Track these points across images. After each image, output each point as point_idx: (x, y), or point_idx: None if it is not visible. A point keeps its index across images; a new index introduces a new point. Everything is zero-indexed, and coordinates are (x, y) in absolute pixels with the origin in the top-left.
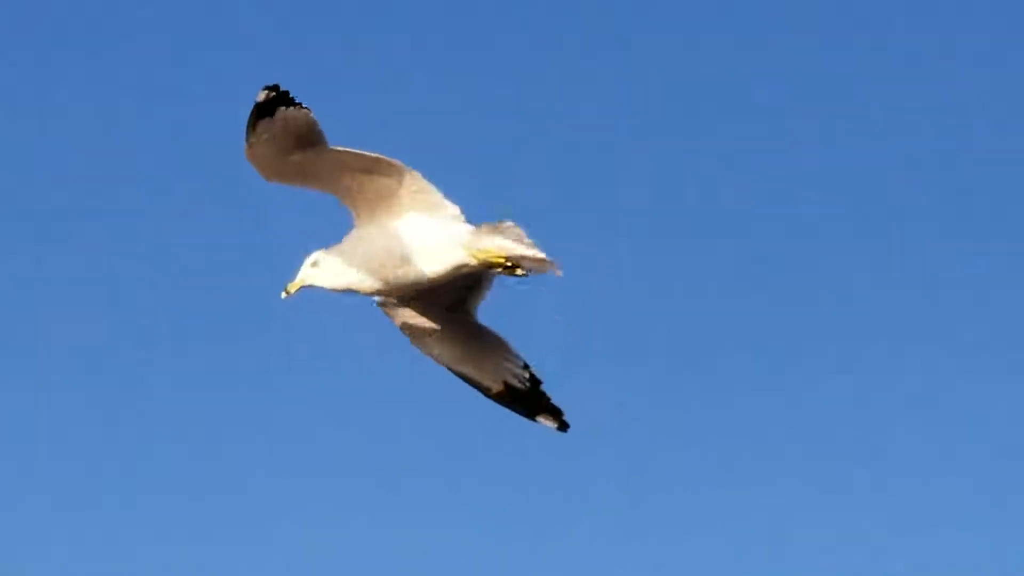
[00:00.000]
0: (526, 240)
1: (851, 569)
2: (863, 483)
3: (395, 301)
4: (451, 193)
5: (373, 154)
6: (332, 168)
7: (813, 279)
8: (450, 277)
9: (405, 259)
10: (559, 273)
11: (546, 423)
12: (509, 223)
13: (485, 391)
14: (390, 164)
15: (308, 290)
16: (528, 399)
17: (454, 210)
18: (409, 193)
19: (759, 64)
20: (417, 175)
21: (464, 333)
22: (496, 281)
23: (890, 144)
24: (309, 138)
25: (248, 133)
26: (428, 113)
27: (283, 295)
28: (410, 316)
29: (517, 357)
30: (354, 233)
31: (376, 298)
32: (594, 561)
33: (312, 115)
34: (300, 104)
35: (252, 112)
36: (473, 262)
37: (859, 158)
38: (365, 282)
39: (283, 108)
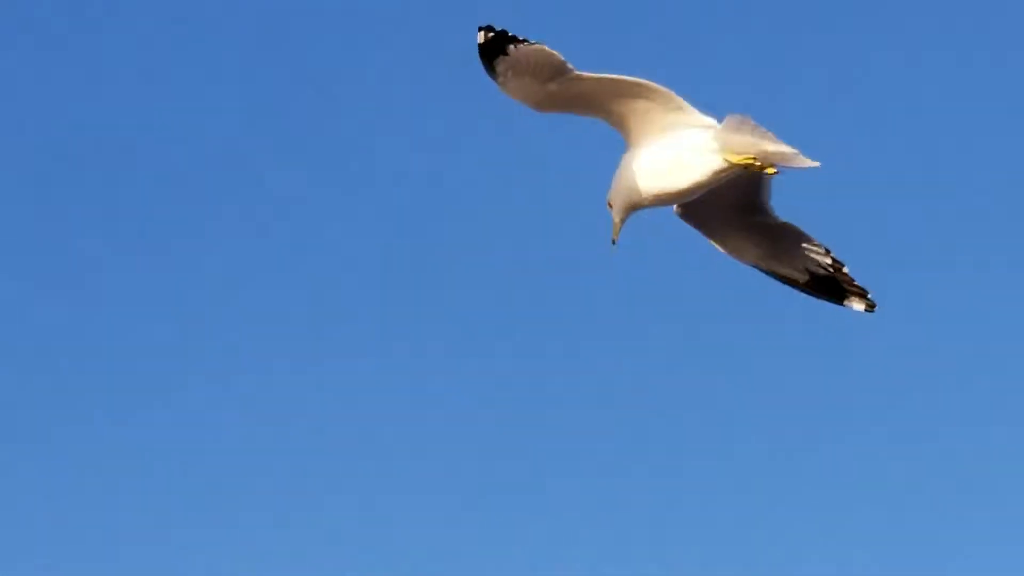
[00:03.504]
0: (769, 136)
1: None
2: None
3: (694, 213)
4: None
5: (621, 77)
6: (590, 94)
7: None
8: (714, 182)
9: (669, 171)
10: (816, 164)
11: (855, 306)
12: (746, 120)
13: (793, 283)
14: (639, 85)
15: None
16: (833, 283)
17: (709, 120)
18: (664, 111)
19: None
20: (669, 93)
21: (765, 230)
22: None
23: None
24: (553, 69)
25: (489, 74)
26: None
27: (614, 245)
28: (712, 224)
29: (818, 244)
30: (625, 156)
31: (675, 211)
32: None
33: (545, 48)
34: (526, 40)
35: (480, 54)
36: (727, 165)
37: None
38: (642, 198)
39: (512, 46)
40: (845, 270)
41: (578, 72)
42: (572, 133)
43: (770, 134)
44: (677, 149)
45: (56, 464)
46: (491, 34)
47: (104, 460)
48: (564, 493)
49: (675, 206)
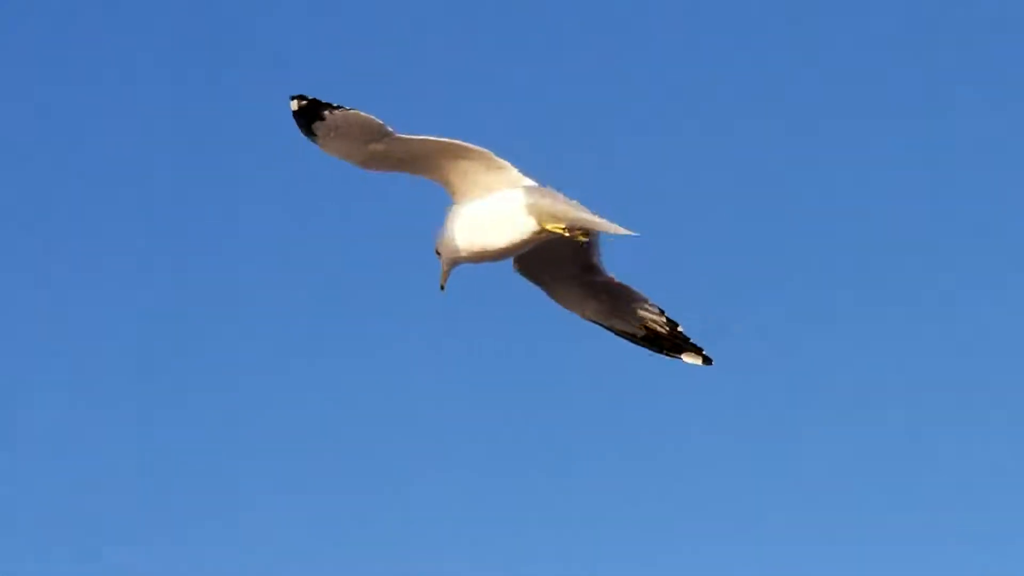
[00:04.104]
0: (575, 204)
1: None
2: None
3: (530, 270)
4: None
5: (440, 138)
6: (411, 155)
7: None
8: (533, 242)
9: (487, 230)
10: (633, 232)
11: (691, 360)
12: (549, 192)
13: (631, 337)
14: (457, 146)
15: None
16: (669, 340)
17: (528, 181)
18: (484, 171)
19: None
20: (487, 153)
21: (600, 288)
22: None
23: None
24: (372, 131)
25: (309, 137)
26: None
27: (442, 290)
28: (546, 280)
29: (652, 305)
30: (449, 211)
31: (514, 267)
32: None
33: (360, 113)
34: (340, 107)
35: (297, 122)
36: (541, 228)
37: None
38: (460, 255)
39: (327, 112)
40: (680, 329)
41: (398, 134)
42: (572, 133)
43: (575, 202)
44: (495, 209)
45: (57, 464)
46: (304, 102)
47: (104, 460)
48: (565, 493)
49: (513, 262)
